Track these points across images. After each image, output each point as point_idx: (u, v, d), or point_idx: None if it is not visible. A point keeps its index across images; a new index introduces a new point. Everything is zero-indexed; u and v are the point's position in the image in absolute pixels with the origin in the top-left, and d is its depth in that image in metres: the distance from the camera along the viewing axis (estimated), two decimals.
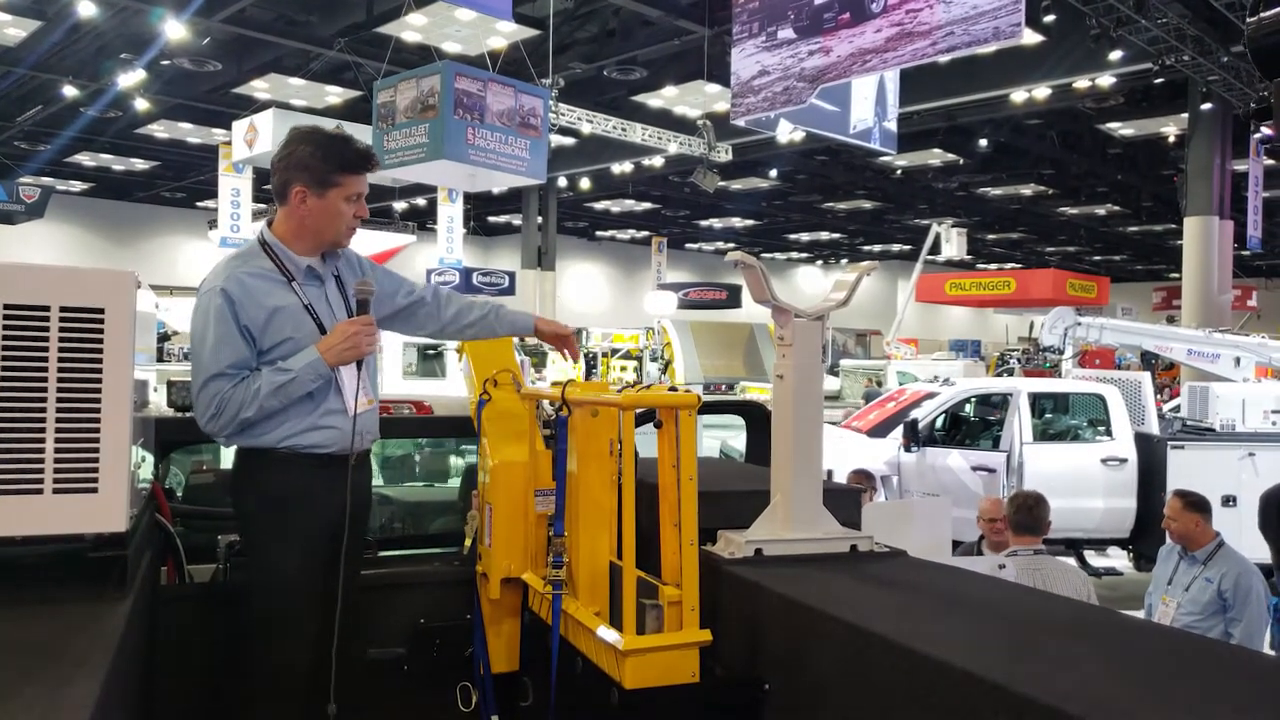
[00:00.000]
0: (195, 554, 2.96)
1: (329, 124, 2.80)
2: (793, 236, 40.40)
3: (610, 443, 2.49)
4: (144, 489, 2.56)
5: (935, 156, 24.54)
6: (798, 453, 2.44)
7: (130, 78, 16.59)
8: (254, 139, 17.82)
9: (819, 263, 48.20)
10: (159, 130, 22.93)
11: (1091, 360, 12.50)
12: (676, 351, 23.26)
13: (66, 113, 19.88)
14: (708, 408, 6.59)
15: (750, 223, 36.34)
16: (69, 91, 18.01)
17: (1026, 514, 4.37)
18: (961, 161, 24.91)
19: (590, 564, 2.42)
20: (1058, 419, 9.44)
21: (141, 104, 18.80)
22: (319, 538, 2.56)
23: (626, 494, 2.20)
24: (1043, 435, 8.82)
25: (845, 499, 2.72)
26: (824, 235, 39.90)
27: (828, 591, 2.16)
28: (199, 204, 30.84)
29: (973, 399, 9.28)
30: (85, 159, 26.23)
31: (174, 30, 14.46)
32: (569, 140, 22.43)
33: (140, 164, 26.88)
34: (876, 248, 43.27)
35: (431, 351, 16.07)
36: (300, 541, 2.54)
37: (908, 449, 8.19)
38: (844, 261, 47.57)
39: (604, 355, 20.87)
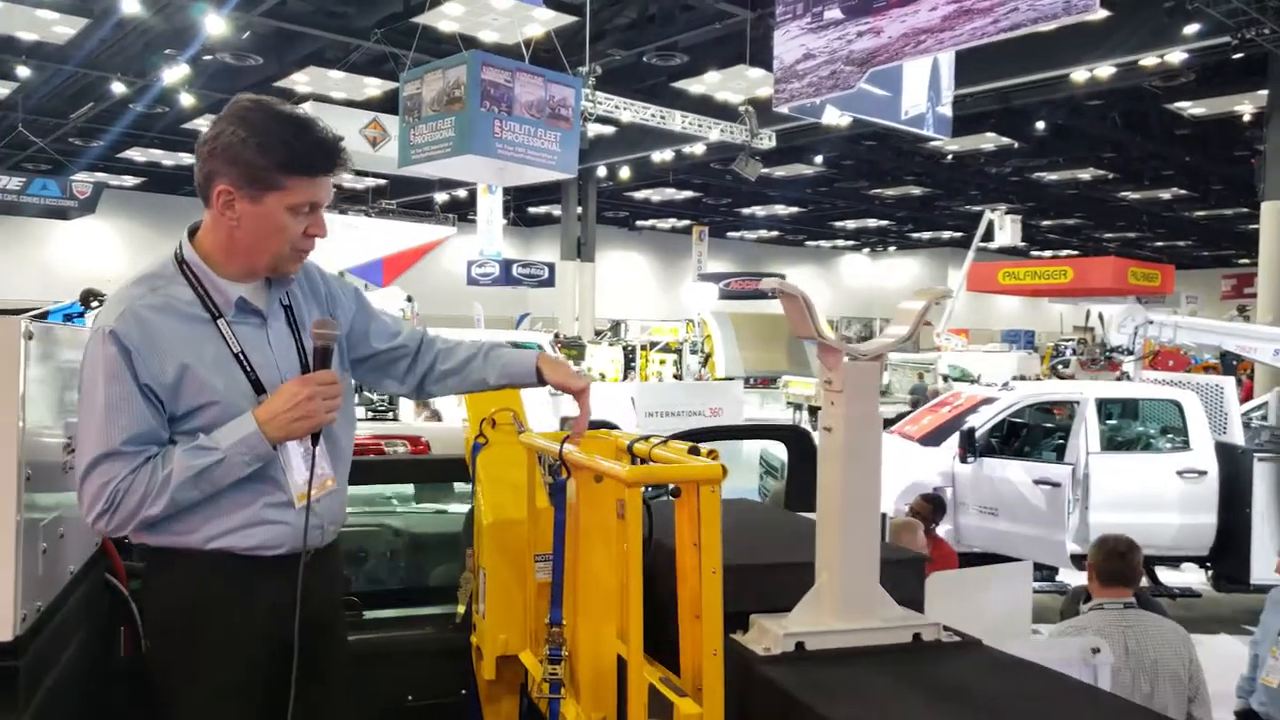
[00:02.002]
0: None
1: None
2: (838, 224, 39.72)
3: (620, 505, 2.05)
4: (80, 558, 2.15)
5: (988, 140, 23.91)
6: (849, 523, 1.98)
7: (174, 73, 16.66)
8: None
9: (865, 250, 47.36)
10: (205, 125, 22.88)
11: (1164, 361, 11.76)
12: (717, 344, 22.80)
13: (117, 109, 20.02)
14: (743, 433, 6.12)
15: (794, 210, 35.73)
16: (117, 88, 18.10)
17: (1118, 560, 3.76)
18: (1016, 145, 24.23)
19: (593, 659, 1.98)
20: (1126, 425, 8.82)
21: (186, 99, 18.81)
22: (259, 662, 1.94)
23: (631, 589, 1.75)
24: (1110, 444, 8.22)
25: (905, 572, 2.25)
26: (871, 222, 39.16)
27: (887, 714, 1.71)
28: None
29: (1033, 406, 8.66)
30: (136, 154, 26.57)
31: (214, 25, 14.34)
32: (608, 129, 22.09)
33: (189, 159, 26.73)
34: (926, 235, 42.48)
35: None
36: (232, 670, 1.92)
37: (964, 459, 7.64)
38: (891, 249, 46.71)
39: (643, 348, 20.43)
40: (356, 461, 2.24)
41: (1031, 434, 8.77)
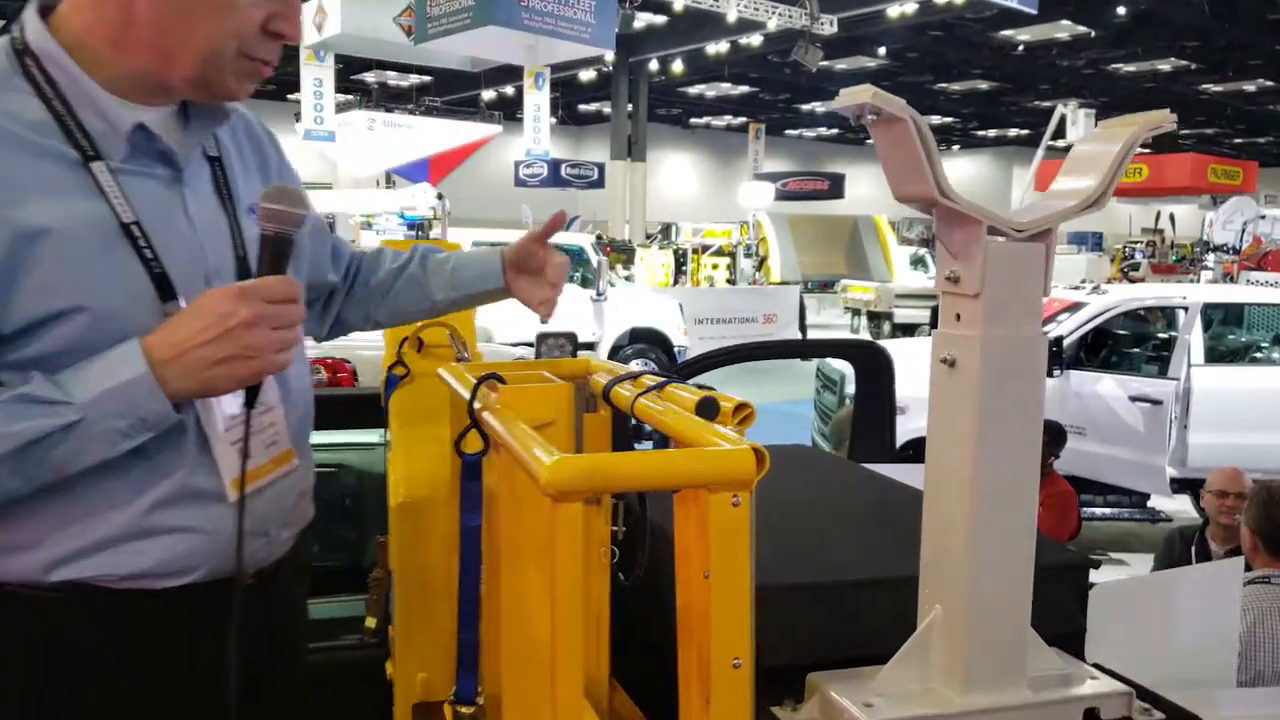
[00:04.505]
0: None
1: None
2: None
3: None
4: None
5: (1063, 30, 22.40)
6: (981, 523, 1.13)
7: None
8: (323, 21, 16.69)
9: None
10: None
11: (1277, 262, 10.57)
12: (773, 247, 21.75)
13: None
14: (800, 350, 5.24)
15: None
16: None
17: None
18: (1092, 35, 22.59)
19: None
20: (1230, 334, 7.81)
21: None
22: None
23: (560, 659, 0.93)
24: (1213, 356, 7.25)
25: (1059, 588, 1.40)
26: (934, 119, 37.49)
27: None
28: (289, 96, 30.23)
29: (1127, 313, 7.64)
30: None
31: None
32: (660, 18, 20.89)
33: None
34: (991, 132, 40.69)
35: None
36: None
37: (1049, 373, 6.70)
38: (955, 147, 44.67)
39: (695, 252, 19.39)
40: None
41: (1120, 343, 7.80)
